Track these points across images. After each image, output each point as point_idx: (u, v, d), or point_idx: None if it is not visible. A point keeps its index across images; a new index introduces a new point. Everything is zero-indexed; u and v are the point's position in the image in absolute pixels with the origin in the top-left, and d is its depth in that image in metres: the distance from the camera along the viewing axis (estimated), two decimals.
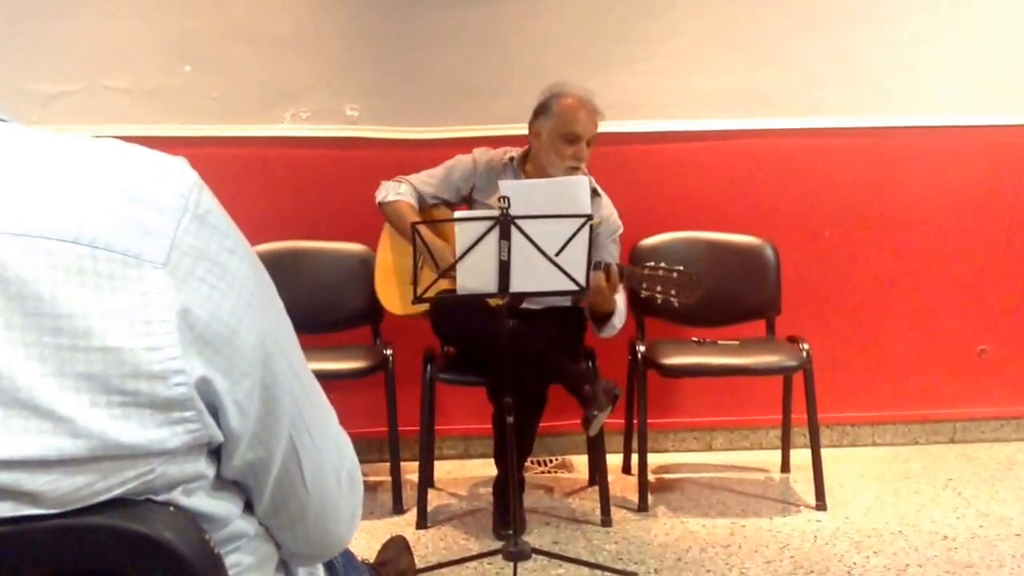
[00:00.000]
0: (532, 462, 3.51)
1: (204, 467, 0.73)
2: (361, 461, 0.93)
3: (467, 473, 3.49)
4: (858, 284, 3.63)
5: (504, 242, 2.41)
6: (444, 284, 2.58)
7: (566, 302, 3.02)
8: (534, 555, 2.58)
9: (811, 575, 2.62)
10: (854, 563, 2.69)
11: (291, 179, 3.44)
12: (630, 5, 3.43)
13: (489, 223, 2.41)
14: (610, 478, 3.10)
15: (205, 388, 0.68)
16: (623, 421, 3.38)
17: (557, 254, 2.43)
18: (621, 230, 3.06)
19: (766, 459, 3.56)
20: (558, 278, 2.45)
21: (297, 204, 3.44)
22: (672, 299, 2.67)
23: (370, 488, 3.25)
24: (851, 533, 2.90)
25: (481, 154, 3.06)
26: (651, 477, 3.26)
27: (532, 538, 2.82)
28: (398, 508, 3.12)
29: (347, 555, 1.13)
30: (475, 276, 2.46)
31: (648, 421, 3.13)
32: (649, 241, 3.33)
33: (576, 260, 2.46)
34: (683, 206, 3.51)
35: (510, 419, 2.50)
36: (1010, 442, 3.73)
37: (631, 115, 3.44)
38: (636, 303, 3.27)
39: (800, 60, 3.49)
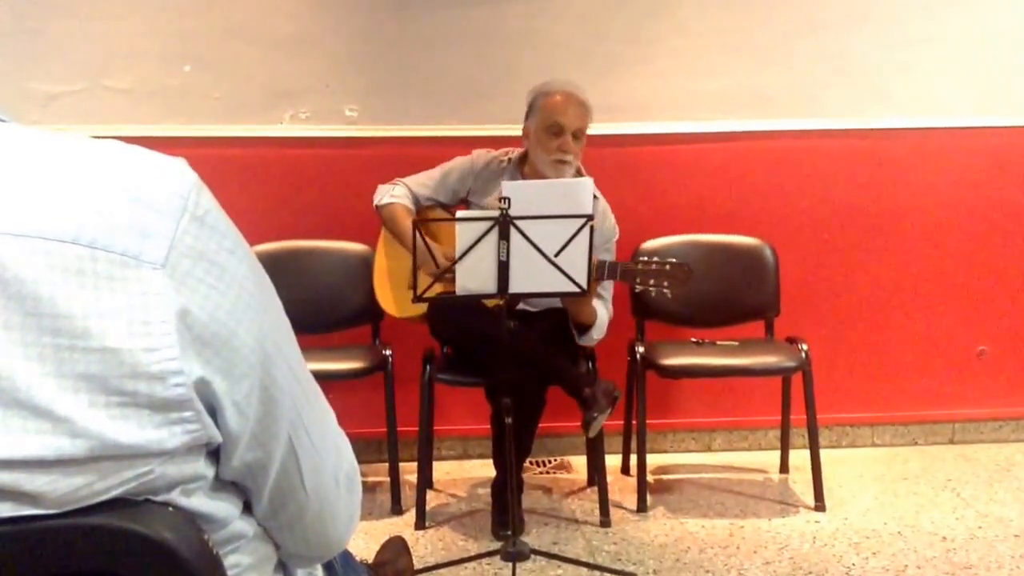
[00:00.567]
0: (531, 463, 3.51)
1: (203, 468, 0.73)
2: (360, 461, 0.93)
3: (466, 474, 3.49)
4: (857, 285, 3.63)
5: (503, 242, 2.40)
6: (439, 287, 2.58)
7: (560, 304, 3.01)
8: (533, 556, 2.58)
9: None
10: (853, 564, 2.69)
11: (290, 179, 3.44)
12: (632, 7, 3.43)
13: (488, 223, 2.41)
14: (609, 479, 3.10)
15: (204, 389, 0.69)
16: (622, 422, 3.38)
17: (557, 255, 2.42)
18: (617, 236, 3.02)
19: (765, 460, 3.56)
20: (558, 279, 2.45)
21: (296, 204, 3.43)
22: (665, 291, 2.68)
23: (369, 488, 3.25)
24: (850, 534, 2.90)
25: (480, 155, 3.04)
26: (650, 478, 3.26)
27: (531, 539, 2.82)
28: (397, 509, 3.11)
29: (346, 555, 1.13)
30: (474, 276, 2.45)
31: (647, 422, 3.13)
32: (650, 244, 3.32)
33: (576, 261, 2.44)
34: (683, 206, 3.51)
35: (508, 420, 2.50)
36: (1009, 443, 3.73)
37: (632, 117, 3.44)
38: (636, 304, 3.29)
39: (801, 62, 3.49)
